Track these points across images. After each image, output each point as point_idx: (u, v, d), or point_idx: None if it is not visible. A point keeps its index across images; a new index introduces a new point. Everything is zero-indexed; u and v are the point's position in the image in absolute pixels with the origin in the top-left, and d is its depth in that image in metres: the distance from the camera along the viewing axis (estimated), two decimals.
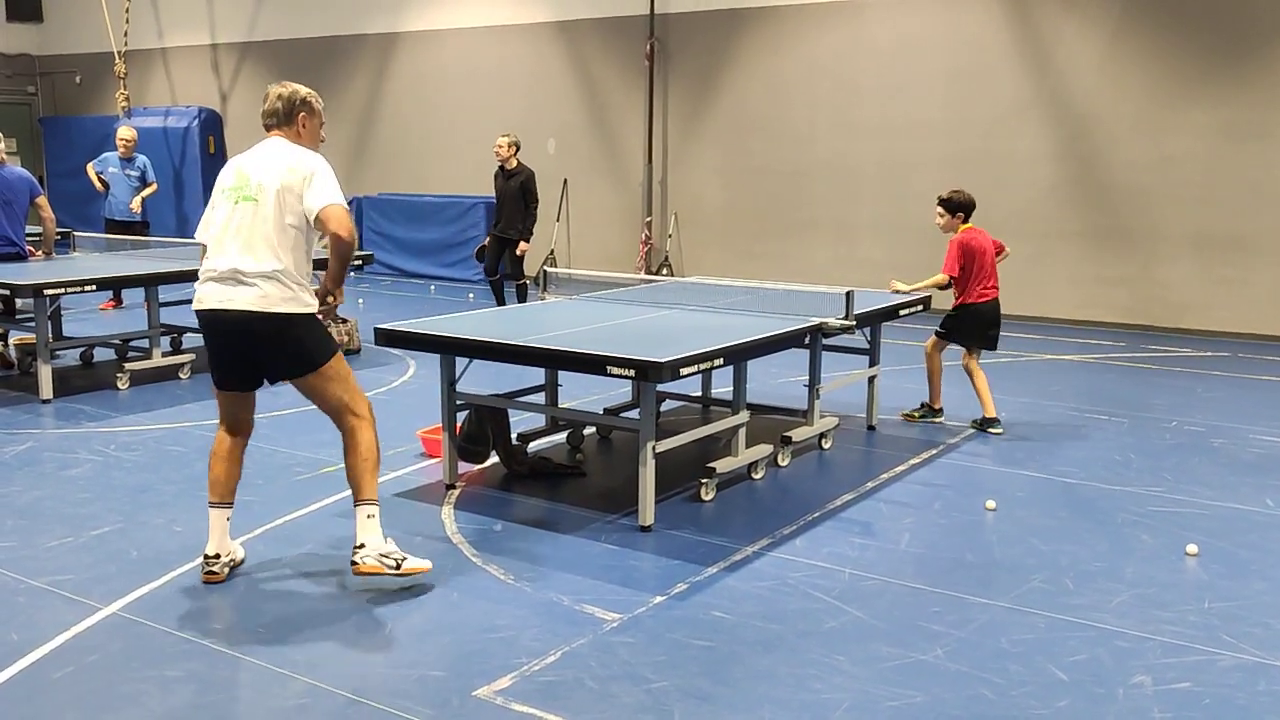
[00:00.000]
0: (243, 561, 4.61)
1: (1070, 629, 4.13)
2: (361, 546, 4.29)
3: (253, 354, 4.33)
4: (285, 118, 4.42)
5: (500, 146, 10.53)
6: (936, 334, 7.23)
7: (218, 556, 4.45)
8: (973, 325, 7.10)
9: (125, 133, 11.78)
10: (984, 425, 7.05)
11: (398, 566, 4.32)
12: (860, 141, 12.45)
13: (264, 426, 6.90)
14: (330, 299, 4.42)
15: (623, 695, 3.58)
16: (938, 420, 7.17)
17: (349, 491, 5.60)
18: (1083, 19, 11.15)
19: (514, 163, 10.52)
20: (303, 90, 4.46)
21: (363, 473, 4.34)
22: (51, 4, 19.74)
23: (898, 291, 7.15)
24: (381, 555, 4.30)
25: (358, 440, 4.35)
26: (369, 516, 4.32)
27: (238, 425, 4.51)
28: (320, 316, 4.38)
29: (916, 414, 7.23)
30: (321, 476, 5.82)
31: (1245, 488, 5.92)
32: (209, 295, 4.29)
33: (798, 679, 3.71)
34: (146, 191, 11.80)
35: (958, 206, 7.09)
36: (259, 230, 4.21)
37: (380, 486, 5.54)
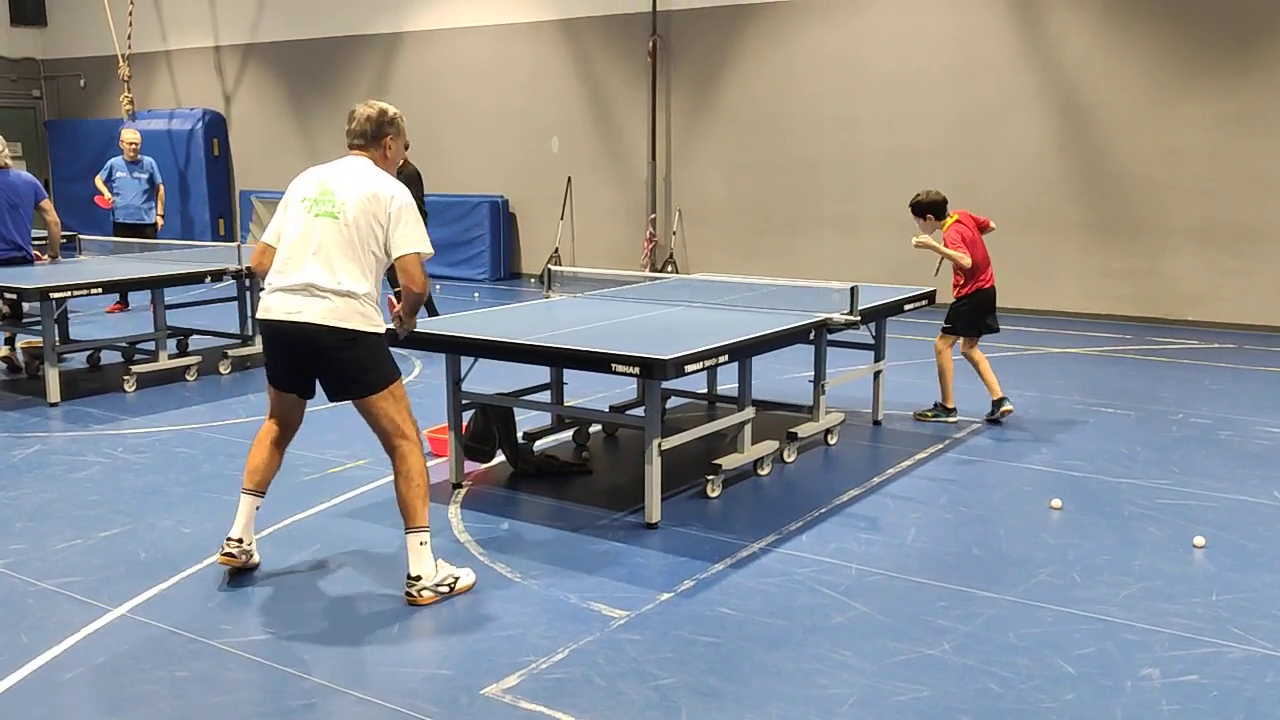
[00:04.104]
0: (257, 566, 4.59)
1: (1078, 622, 4.13)
2: (417, 579, 4.24)
3: (315, 369, 4.30)
4: (373, 138, 4.35)
5: None
6: (944, 330, 7.20)
7: (240, 541, 4.44)
8: (978, 314, 7.11)
9: (129, 136, 11.82)
10: (995, 407, 7.03)
11: (451, 591, 4.31)
12: (865, 136, 12.43)
13: None
14: (399, 325, 4.53)
15: (630, 692, 3.59)
16: (952, 420, 7.13)
17: (356, 491, 5.65)
18: (1086, 11, 11.13)
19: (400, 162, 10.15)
20: (391, 110, 4.39)
21: (414, 499, 4.26)
22: (55, 8, 19.77)
23: (923, 245, 6.98)
24: (436, 586, 4.27)
25: (409, 466, 4.29)
26: (421, 544, 4.26)
27: (286, 421, 4.51)
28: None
29: (929, 414, 7.19)
30: (329, 477, 5.83)
31: (1252, 480, 5.91)
32: (276, 305, 4.23)
33: (805, 674, 3.72)
34: (161, 196, 11.92)
35: (925, 209, 7.11)
36: (339, 247, 4.16)
37: (386, 486, 5.57)
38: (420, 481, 4.29)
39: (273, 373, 4.44)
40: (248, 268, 8.53)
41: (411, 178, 9.91)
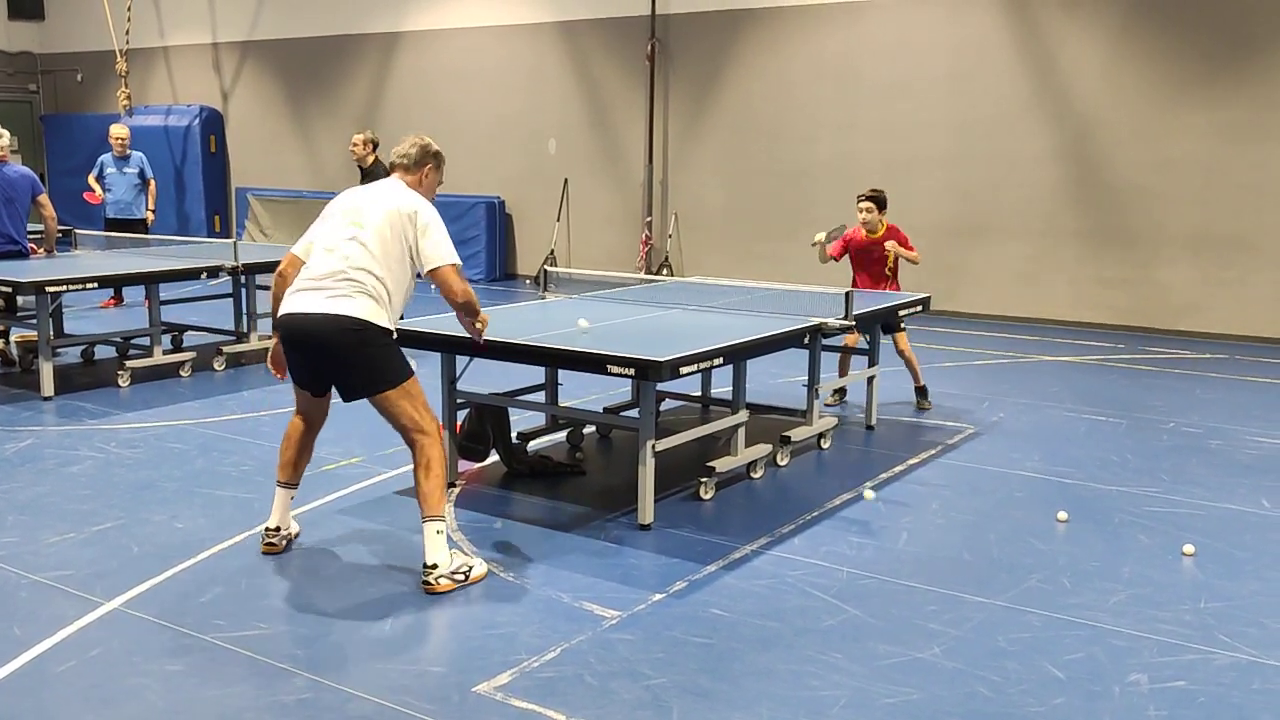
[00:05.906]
0: (298, 534, 4.91)
1: (1067, 628, 4.16)
2: (434, 567, 4.34)
3: (329, 367, 4.47)
4: (415, 164, 4.64)
5: (355, 144, 10.04)
6: (902, 329, 7.49)
7: (278, 529, 4.75)
8: None
9: (118, 131, 11.79)
10: (839, 395, 7.70)
11: (467, 578, 4.41)
12: (862, 142, 12.46)
13: (266, 423, 6.95)
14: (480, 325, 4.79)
15: (622, 692, 3.61)
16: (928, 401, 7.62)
17: (350, 489, 5.66)
18: (1084, 20, 11.17)
19: (370, 160, 9.98)
20: (435, 145, 4.72)
21: (433, 489, 4.41)
22: (53, 2, 19.74)
23: (895, 251, 7.55)
24: (453, 574, 4.38)
25: (429, 458, 4.43)
26: (438, 532, 4.38)
27: (311, 416, 4.73)
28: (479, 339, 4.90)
29: (928, 402, 7.60)
30: (324, 474, 5.83)
31: (1242, 489, 5.95)
32: (296, 303, 4.41)
33: (795, 676, 3.74)
34: (152, 190, 11.90)
35: (886, 203, 7.60)
36: (367, 255, 4.38)
37: (380, 483, 5.57)
38: (439, 472, 4.43)
39: (293, 372, 4.64)
40: (242, 265, 8.58)
41: (380, 175, 9.85)
